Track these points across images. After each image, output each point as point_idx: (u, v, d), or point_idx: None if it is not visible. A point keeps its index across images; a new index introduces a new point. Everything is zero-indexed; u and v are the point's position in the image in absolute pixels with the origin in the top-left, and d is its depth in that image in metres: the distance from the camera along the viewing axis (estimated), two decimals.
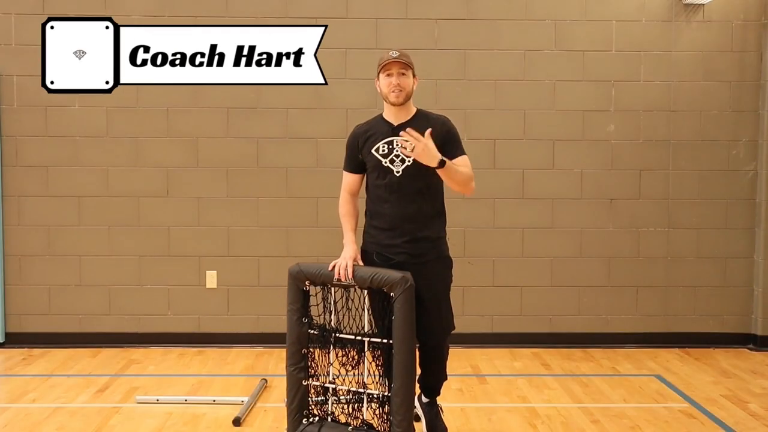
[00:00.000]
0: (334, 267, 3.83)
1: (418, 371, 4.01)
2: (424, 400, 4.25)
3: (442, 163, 3.72)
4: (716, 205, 6.16)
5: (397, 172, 3.90)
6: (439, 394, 4.25)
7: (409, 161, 3.87)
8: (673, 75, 6.10)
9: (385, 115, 4.00)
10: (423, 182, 3.91)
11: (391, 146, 3.92)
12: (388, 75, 3.88)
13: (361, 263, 3.88)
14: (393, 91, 3.86)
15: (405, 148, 3.72)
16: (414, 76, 3.93)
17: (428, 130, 3.71)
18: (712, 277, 6.19)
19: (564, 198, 6.12)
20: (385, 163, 3.92)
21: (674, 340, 6.20)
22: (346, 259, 3.82)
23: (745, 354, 6.06)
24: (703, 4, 6.04)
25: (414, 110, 3.99)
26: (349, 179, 4.09)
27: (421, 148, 3.67)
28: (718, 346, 6.19)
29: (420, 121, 3.92)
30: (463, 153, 3.94)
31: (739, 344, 6.21)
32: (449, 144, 3.90)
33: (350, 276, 3.78)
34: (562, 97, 6.09)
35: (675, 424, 4.49)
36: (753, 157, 6.13)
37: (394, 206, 3.91)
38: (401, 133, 3.73)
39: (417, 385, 3.95)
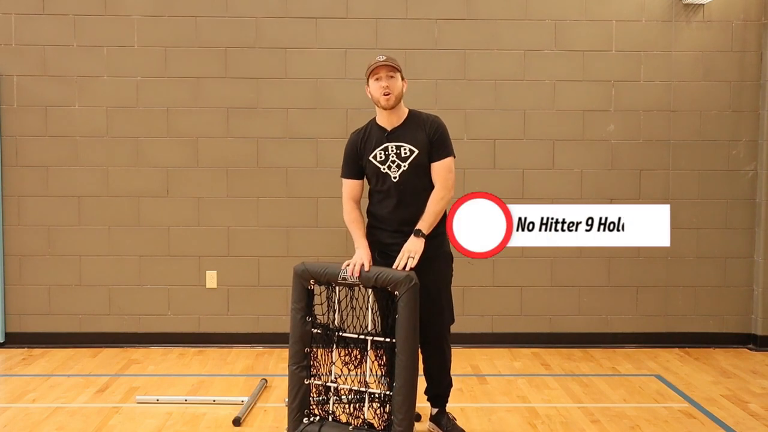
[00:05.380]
0: (347, 266, 3.88)
1: (424, 382, 4.05)
2: (434, 411, 4.28)
3: (424, 236, 3.92)
4: (716, 205, 6.16)
5: (395, 177, 3.99)
6: (446, 401, 4.28)
7: (405, 166, 3.94)
8: (673, 75, 6.10)
9: (378, 121, 4.09)
10: (421, 185, 4.01)
11: (386, 152, 4.01)
12: (377, 79, 3.98)
13: (371, 263, 3.91)
14: (384, 95, 3.96)
15: (411, 261, 3.86)
16: (402, 78, 4.00)
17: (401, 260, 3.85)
18: (712, 277, 6.19)
19: (564, 198, 6.12)
20: (383, 169, 4.01)
21: (674, 340, 6.20)
22: (361, 258, 3.87)
23: (745, 354, 6.07)
24: (703, 4, 6.04)
25: (406, 112, 4.09)
26: (351, 186, 4.13)
27: (411, 260, 3.84)
28: (718, 346, 6.19)
29: (412, 123, 4.05)
30: (447, 155, 4.05)
31: (739, 344, 6.21)
32: (436, 145, 4.02)
33: (367, 269, 3.83)
34: (562, 97, 6.09)
35: (675, 424, 4.49)
36: (753, 157, 6.13)
37: (394, 209, 4.01)
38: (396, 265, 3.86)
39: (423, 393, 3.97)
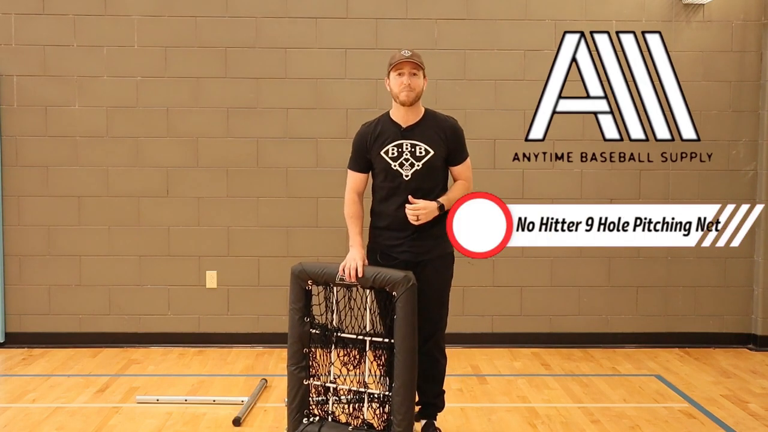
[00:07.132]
0: (343, 269, 3.84)
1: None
2: (422, 422, 4.17)
3: (442, 209, 3.91)
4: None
5: (407, 176, 3.92)
6: (441, 409, 4.19)
7: (418, 165, 3.90)
8: None
9: (393, 116, 4.00)
10: (430, 185, 3.96)
11: (400, 149, 3.93)
12: (400, 74, 3.90)
13: (366, 264, 3.88)
14: (404, 91, 3.88)
15: (416, 217, 3.86)
16: (425, 76, 3.96)
17: (415, 208, 3.87)
18: (712, 277, 6.19)
19: (564, 198, 6.12)
20: (395, 166, 3.93)
21: (674, 340, 6.20)
22: (355, 260, 3.83)
23: (745, 354, 6.07)
24: (703, 4, 6.04)
25: (422, 111, 4.01)
26: (356, 178, 4.08)
27: (424, 215, 3.85)
28: (718, 346, 6.19)
29: (428, 123, 3.98)
30: (466, 156, 4.08)
31: (739, 344, 6.21)
32: (455, 148, 4.01)
33: (360, 275, 3.80)
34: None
35: (675, 424, 4.49)
36: (753, 157, 6.13)
37: (400, 208, 3.94)
38: (407, 207, 3.88)
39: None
